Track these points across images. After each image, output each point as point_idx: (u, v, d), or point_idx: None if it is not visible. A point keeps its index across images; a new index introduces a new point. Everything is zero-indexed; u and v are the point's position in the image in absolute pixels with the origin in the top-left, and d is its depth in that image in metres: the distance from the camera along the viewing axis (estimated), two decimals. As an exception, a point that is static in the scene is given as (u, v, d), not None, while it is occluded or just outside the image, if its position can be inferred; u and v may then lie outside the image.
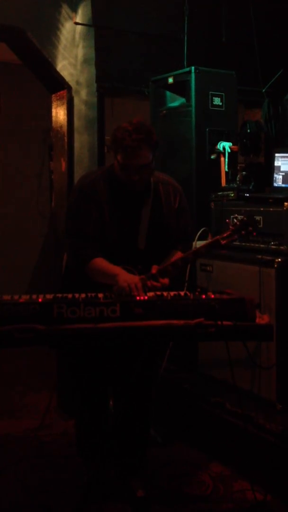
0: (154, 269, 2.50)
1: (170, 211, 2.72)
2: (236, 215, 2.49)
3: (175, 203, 2.73)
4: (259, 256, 3.12)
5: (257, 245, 3.23)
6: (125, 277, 2.46)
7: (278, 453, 2.81)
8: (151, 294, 2.41)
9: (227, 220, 2.57)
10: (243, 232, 2.54)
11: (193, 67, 3.82)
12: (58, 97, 4.31)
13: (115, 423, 2.81)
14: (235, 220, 2.54)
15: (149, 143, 2.53)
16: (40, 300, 2.28)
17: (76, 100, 4.20)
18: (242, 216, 2.56)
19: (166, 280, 2.49)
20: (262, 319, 2.35)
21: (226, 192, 3.57)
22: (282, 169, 3.56)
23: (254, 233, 2.55)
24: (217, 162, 3.86)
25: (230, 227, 2.55)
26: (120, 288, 2.40)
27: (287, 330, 2.99)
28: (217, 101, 3.88)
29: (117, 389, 2.80)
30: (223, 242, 2.53)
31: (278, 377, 3.04)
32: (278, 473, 2.80)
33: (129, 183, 2.59)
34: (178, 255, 2.64)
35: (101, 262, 2.58)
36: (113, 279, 2.48)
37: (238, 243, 3.31)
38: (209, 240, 2.62)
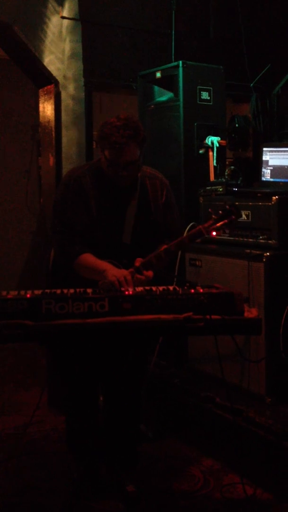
0: (138, 262, 2.50)
1: (157, 206, 2.71)
2: (218, 203, 2.45)
3: (162, 198, 2.72)
4: (248, 251, 3.12)
5: (245, 239, 3.24)
6: (114, 272, 2.45)
7: (267, 446, 2.82)
8: (140, 288, 2.41)
9: (209, 210, 2.55)
10: (226, 220, 2.50)
11: (180, 62, 3.81)
12: (45, 92, 4.28)
13: (105, 418, 2.80)
14: (218, 210, 2.51)
15: (137, 139, 2.52)
16: (28, 296, 2.27)
17: (63, 95, 4.18)
18: (225, 205, 2.51)
19: (150, 273, 2.49)
20: (251, 313, 2.35)
21: (214, 187, 3.57)
22: (270, 163, 3.56)
23: (237, 221, 2.50)
24: (206, 156, 3.85)
25: (213, 216, 2.52)
26: (109, 282, 2.40)
27: (275, 324, 3.00)
28: (205, 95, 3.88)
29: (106, 384, 2.80)
30: (206, 231, 2.50)
31: (267, 371, 3.05)
32: (267, 466, 2.81)
33: (117, 179, 2.58)
34: (163, 248, 2.62)
35: (89, 258, 2.57)
36: (101, 274, 2.47)
37: (226, 238, 3.32)
38: (192, 230, 2.58)
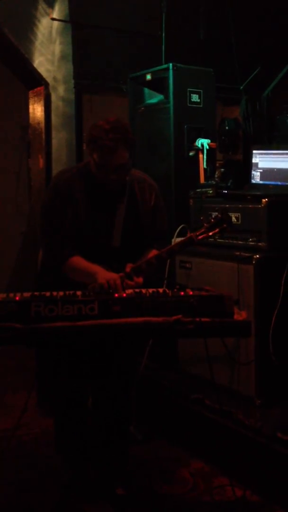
0: (128, 268, 2.49)
1: (146, 209, 2.70)
2: (211, 212, 2.50)
3: (151, 201, 2.71)
4: (238, 253, 3.13)
5: (235, 241, 3.25)
6: (104, 275, 2.45)
7: (257, 448, 2.82)
8: (129, 291, 2.41)
9: (201, 218, 2.57)
10: (217, 229, 2.53)
11: (171, 64, 3.82)
12: (35, 94, 4.28)
13: (94, 421, 2.80)
14: (209, 218, 2.52)
15: (126, 142, 2.51)
16: (17, 298, 2.26)
17: (53, 97, 4.18)
18: (216, 213, 2.54)
19: (140, 279, 2.48)
20: (241, 315, 2.35)
21: (204, 189, 3.58)
22: (260, 166, 3.58)
23: (228, 229, 2.55)
24: (196, 159, 3.86)
25: (205, 224, 2.54)
26: (99, 285, 2.39)
27: (265, 326, 3.01)
28: (195, 98, 3.89)
29: (95, 386, 2.79)
30: (197, 239, 2.52)
31: (256, 373, 3.05)
32: (257, 468, 2.82)
33: (106, 182, 2.57)
34: (153, 253, 2.63)
35: (79, 261, 2.56)
36: (92, 277, 2.46)
37: (216, 240, 3.33)
38: (184, 237, 2.60)
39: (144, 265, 2.50)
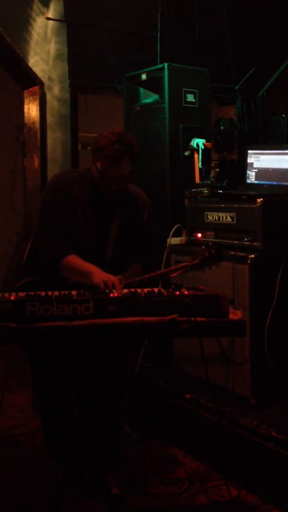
0: (121, 281, 2.50)
1: (138, 225, 2.75)
2: (204, 246, 2.64)
3: (143, 218, 2.77)
4: (233, 253, 3.13)
5: (230, 241, 3.25)
6: (100, 275, 2.45)
7: (252, 448, 2.83)
8: (125, 291, 2.41)
9: (198, 249, 2.73)
10: (210, 264, 2.63)
11: (166, 64, 3.82)
12: (30, 93, 4.27)
13: (83, 421, 2.79)
14: (204, 251, 2.65)
15: (131, 155, 2.57)
16: (12, 298, 2.25)
17: (48, 96, 4.17)
18: (211, 248, 2.65)
19: None
20: (236, 315, 2.36)
21: (200, 189, 3.58)
22: (255, 166, 3.58)
23: (219, 262, 2.67)
24: (191, 159, 3.86)
25: (200, 256, 2.62)
26: (96, 286, 2.40)
27: (260, 326, 3.01)
28: (190, 98, 3.89)
29: (84, 386, 2.78)
30: (191, 268, 2.61)
31: (252, 372, 3.06)
32: (252, 468, 2.82)
33: (107, 191, 2.60)
34: (140, 268, 2.70)
35: (75, 259, 2.57)
36: (87, 276, 2.47)
37: (211, 240, 3.34)
38: (177, 266, 2.71)
39: (136, 283, 2.52)
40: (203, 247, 2.67)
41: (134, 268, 2.71)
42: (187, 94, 3.87)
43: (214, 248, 2.63)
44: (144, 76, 4.00)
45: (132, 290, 2.42)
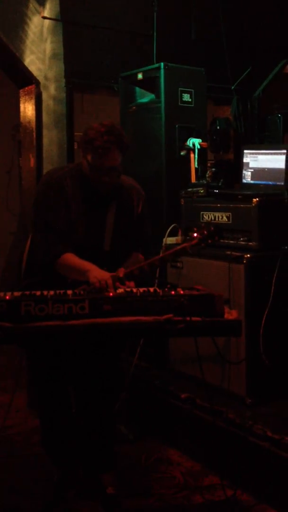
0: (121, 273, 2.50)
1: (134, 215, 2.74)
2: (203, 222, 2.57)
3: (138, 208, 2.76)
4: (229, 252, 3.13)
5: (226, 241, 3.25)
6: (96, 274, 2.45)
7: (247, 447, 2.83)
8: (120, 290, 2.41)
9: (194, 229, 2.63)
10: (210, 240, 2.60)
11: (162, 64, 3.82)
12: (26, 92, 4.26)
13: (79, 420, 2.78)
14: (202, 228, 2.62)
15: (120, 145, 2.55)
16: (7, 297, 2.25)
17: (44, 96, 4.16)
18: (209, 225, 2.63)
19: (132, 283, 2.50)
20: (231, 314, 2.36)
21: (196, 189, 3.58)
22: (250, 165, 3.58)
23: (219, 240, 2.64)
24: (187, 158, 3.86)
25: (198, 235, 2.60)
26: (91, 284, 2.39)
27: (255, 325, 3.02)
28: (186, 97, 3.89)
29: (81, 385, 2.78)
30: (190, 249, 2.59)
31: (247, 372, 3.06)
32: (247, 467, 2.82)
33: (99, 184, 2.59)
34: (140, 258, 2.68)
35: (72, 258, 2.57)
36: (84, 274, 2.46)
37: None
38: (176, 247, 2.67)
39: (136, 271, 2.52)
40: (202, 225, 2.65)
41: (134, 257, 2.70)
42: (183, 94, 3.87)
43: (213, 225, 2.62)
44: (140, 76, 4.00)
45: (128, 289, 2.42)
